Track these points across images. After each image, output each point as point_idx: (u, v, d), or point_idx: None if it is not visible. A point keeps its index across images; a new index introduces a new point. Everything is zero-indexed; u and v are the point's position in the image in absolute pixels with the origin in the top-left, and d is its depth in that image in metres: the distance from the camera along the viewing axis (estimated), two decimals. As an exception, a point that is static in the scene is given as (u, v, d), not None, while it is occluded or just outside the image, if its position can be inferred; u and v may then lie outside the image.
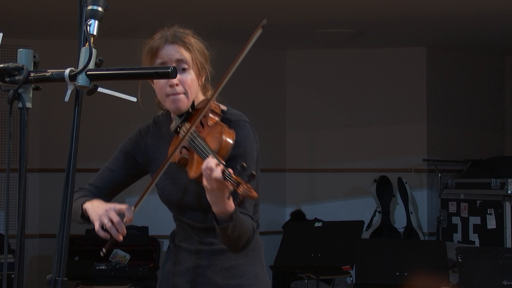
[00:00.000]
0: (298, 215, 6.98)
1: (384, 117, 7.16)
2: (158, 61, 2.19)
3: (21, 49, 1.54)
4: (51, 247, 6.14)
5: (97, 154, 6.58)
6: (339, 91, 7.16)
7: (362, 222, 5.92)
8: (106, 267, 5.86)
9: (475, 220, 6.22)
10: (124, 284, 5.82)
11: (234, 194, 1.90)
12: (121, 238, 2.09)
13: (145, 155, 2.38)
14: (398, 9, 5.67)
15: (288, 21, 5.99)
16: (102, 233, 2.10)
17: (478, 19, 6.00)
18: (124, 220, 2.11)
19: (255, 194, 1.84)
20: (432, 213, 7.05)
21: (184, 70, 2.18)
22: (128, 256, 6.06)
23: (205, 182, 1.93)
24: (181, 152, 2.13)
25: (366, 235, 6.65)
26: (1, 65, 1.50)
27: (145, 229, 6.40)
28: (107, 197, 2.39)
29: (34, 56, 1.54)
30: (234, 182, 1.85)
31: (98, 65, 1.50)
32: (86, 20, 1.52)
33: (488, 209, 6.05)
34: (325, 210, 7.08)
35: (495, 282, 4.81)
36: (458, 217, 6.42)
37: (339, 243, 5.53)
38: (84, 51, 1.49)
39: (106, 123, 6.54)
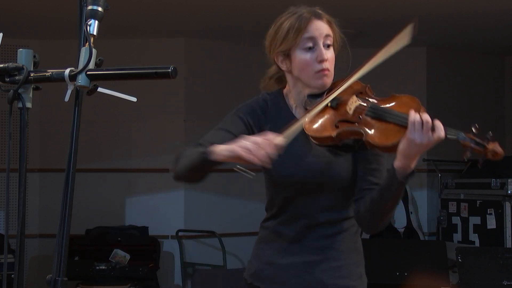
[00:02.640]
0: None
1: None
2: (306, 35, 2.13)
3: (21, 49, 1.54)
4: (51, 247, 6.14)
5: (97, 154, 6.61)
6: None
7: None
8: (106, 267, 5.86)
9: (475, 220, 6.22)
10: (124, 284, 5.82)
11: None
12: (265, 159, 1.84)
13: (263, 123, 2.20)
14: (398, 9, 5.67)
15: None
16: (251, 157, 1.83)
17: (478, 19, 6.00)
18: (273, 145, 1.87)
19: (502, 151, 1.90)
20: (432, 213, 7.05)
21: (329, 46, 2.16)
22: (128, 256, 6.06)
23: (415, 136, 1.92)
24: (337, 127, 2.03)
25: (366, 235, 6.64)
26: (1, 65, 1.50)
27: (145, 229, 6.39)
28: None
29: (34, 56, 1.54)
30: (478, 144, 1.94)
31: (98, 65, 1.50)
32: (86, 20, 1.52)
33: (488, 209, 6.05)
34: (325, 210, 7.07)
35: (495, 282, 4.81)
36: (458, 217, 6.42)
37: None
38: (84, 51, 1.49)
39: (106, 123, 6.54)
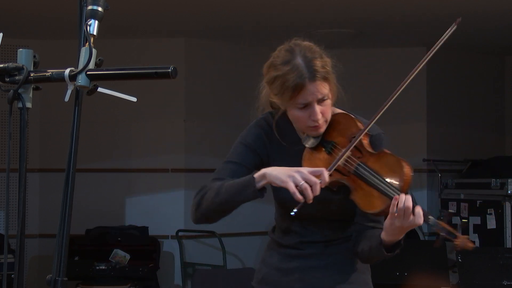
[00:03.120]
0: (298, 215, 6.97)
1: (384, 117, 7.14)
2: (301, 101, 2.08)
3: (21, 49, 1.54)
4: (51, 247, 6.13)
5: (97, 154, 6.60)
6: (338, 91, 7.14)
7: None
8: (106, 267, 5.86)
9: (475, 220, 6.22)
10: (124, 284, 5.82)
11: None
12: (311, 200, 1.95)
13: (268, 159, 2.22)
14: (398, 9, 5.67)
15: (288, 21, 5.99)
16: (298, 196, 1.94)
17: (478, 19, 6.00)
18: (320, 182, 1.97)
19: (472, 245, 1.91)
20: (432, 213, 7.04)
21: (324, 101, 2.13)
22: (128, 256, 6.06)
23: (395, 221, 1.96)
24: (330, 175, 2.03)
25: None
26: (1, 65, 1.50)
27: (145, 229, 6.39)
28: None
29: (34, 56, 1.54)
30: (450, 234, 1.91)
31: (98, 65, 1.50)
32: (86, 20, 1.52)
33: (488, 209, 6.05)
34: (325, 210, 7.07)
35: (495, 282, 4.80)
36: (458, 217, 6.42)
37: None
38: (84, 51, 1.49)
39: (106, 123, 6.54)
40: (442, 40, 2.06)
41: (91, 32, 1.51)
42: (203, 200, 2.13)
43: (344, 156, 2.05)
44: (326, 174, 1.98)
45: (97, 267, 5.84)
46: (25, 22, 6.02)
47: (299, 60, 2.11)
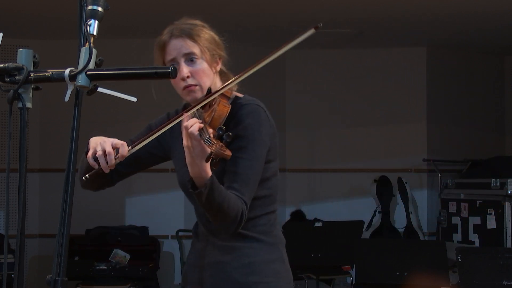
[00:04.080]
0: (298, 215, 6.98)
1: (384, 117, 7.16)
2: (168, 57, 2.22)
3: (21, 49, 1.54)
4: (51, 247, 6.14)
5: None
6: (339, 91, 7.16)
7: (362, 222, 5.92)
8: (106, 267, 5.86)
9: (475, 220, 6.22)
10: (124, 284, 5.82)
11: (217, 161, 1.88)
12: (107, 170, 2.07)
13: (170, 140, 2.38)
14: (398, 9, 5.67)
15: (288, 21, 5.99)
16: (91, 161, 2.08)
17: (478, 19, 6.00)
18: (117, 155, 2.08)
19: (228, 152, 1.84)
20: (432, 213, 7.05)
21: (192, 61, 2.20)
22: (128, 256, 6.06)
23: (184, 141, 1.96)
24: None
25: (366, 235, 6.65)
26: (1, 65, 1.50)
27: (145, 229, 6.40)
28: (125, 168, 2.38)
29: (34, 56, 1.54)
30: (207, 140, 1.86)
31: (98, 65, 1.50)
32: (86, 20, 1.52)
33: (488, 209, 6.05)
34: (325, 210, 7.08)
35: (495, 282, 4.81)
36: (458, 217, 6.42)
37: (339, 243, 5.53)
38: (84, 51, 1.49)
39: (106, 123, 6.54)
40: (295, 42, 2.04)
41: (91, 32, 1.51)
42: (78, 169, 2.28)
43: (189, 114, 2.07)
44: (124, 146, 2.09)
45: (97, 267, 5.84)
46: (25, 22, 6.02)
47: (173, 26, 2.30)
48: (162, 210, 6.60)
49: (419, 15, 5.88)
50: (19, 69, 1.50)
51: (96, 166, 2.07)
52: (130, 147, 2.11)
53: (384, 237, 6.75)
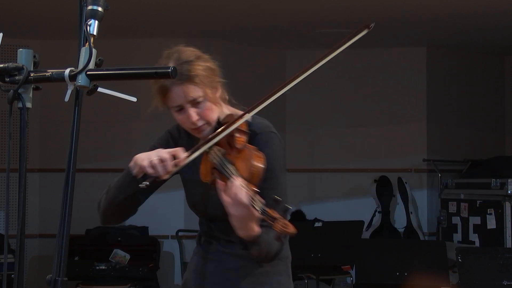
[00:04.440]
0: (298, 215, 6.98)
1: (384, 117, 7.16)
2: (172, 104, 2.18)
3: (21, 49, 1.54)
4: (51, 247, 6.14)
5: (97, 154, 6.60)
6: (339, 91, 7.16)
7: (362, 222, 5.92)
8: (106, 267, 5.86)
9: (475, 220, 6.22)
10: (124, 284, 5.82)
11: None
12: (166, 176, 2.07)
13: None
14: (398, 9, 5.67)
15: (288, 21, 5.99)
16: (148, 170, 2.07)
17: (478, 19, 6.00)
18: (174, 162, 2.06)
19: (292, 229, 1.84)
20: (432, 213, 7.05)
21: (198, 103, 2.17)
22: (128, 256, 6.06)
23: (232, 210, 1.95)
24: (212, 173, 2.09)
25: (366, 235, 6.65)
26: (1, 65, 1.50)
27: (145, 229, 6.39)
28: (142, 196, 2.32)
29: (34, 56, 1.54)
30: (270, 218, 1.84)
31: (98, 65, 1.50)
32: (86, 20, 1.52)
33: (488, 209, 6.05)
34: (325, 210, 7.08)
35: (495, 282, 4.81)
36: (458, 217, 6.42)
37: (339, 243, 5.53)
38: (84, 51, 1.49)
39: (106, 123, 6.54)
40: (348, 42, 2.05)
41: (91, 32, 1.51)
42: (101, 201, 2.31)
43: (207, 147, 2.09)
44: (180, 152, 2.07)
45: (97, 267, 5.84)
46: (25, 22, 6.02)
47: (169, 65, 2.16)
48: (162, 210, 6.60)
49: (419, 15, 5.88)
50: (19, 69, 1.50)
51: (153, 173, 2.06)
52: (187, 153, 2.10)
53: (384, 237, 6.75)
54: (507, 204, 5.88)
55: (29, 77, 1.50)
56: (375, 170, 7.05)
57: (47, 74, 1.51)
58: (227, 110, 2.27)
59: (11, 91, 1.49)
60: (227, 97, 2.30)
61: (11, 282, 5.07)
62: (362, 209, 6.95)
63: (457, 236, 6.42)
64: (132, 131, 6.59)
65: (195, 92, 2.15)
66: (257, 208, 1.87)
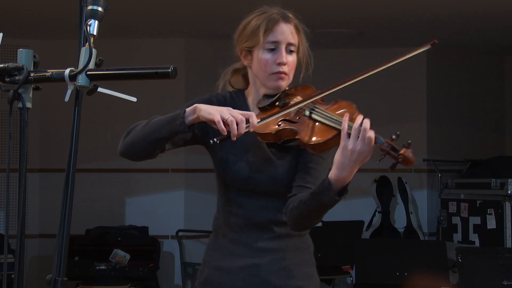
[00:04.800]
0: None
1: (384, 117, 7.15)
2: (271, 37, 2.17)
3: (21, 49, 1.54)
4: (51, 247, 6.14)
5: (97, 154, 6.60)
6: (339, 91, 7.14)
7: (362, 222, 5.92)
8: (106, 267, 5.86)
9: (475, 220, 6.22)
10: (124, 284, 5.82)
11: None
12: (235, 137, 1.94)
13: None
14: (398, 9, 5.67)
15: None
16: (221, 126, 1.93)
17: (478, 19, 6.00)
18: (248, 125, 1.97)
19: (413, 159, 1.90)
20: (432, 213, 7.05)
21: (291, 52, 2.19)
22: (128, 256, 6.06)
23: (349, 143, 1.93)
24: (279, 125, 2.06)
25: (366, 235, 6.65)
26: (1, 65, 1.50)
27: (145, 229, 6.39)
28: (170, 145, 2.24)
29: (34, 56, 1.54)
30: (393, 149, 1.94)
31: (98, 65, 1.50)
32: (86, 20, 1.52)
33: (488, 209, 6.05)
34: (325, 210, 7.07)
35: (495, 282, 4.81)
36: (458, 217, 6.42)
37: (339, 243, 5.53)
38: (84, 51, 1.49)
39: (106, 123, 6.54)
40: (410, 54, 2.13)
41: (91, 32, 1.51)
42: (132, 130, 2.15)
43: (296, 107, 2.07)
44: (254, 116, 1.99)
45: (97, 267, 5.84)
46: (25, 22, 6.02)
47: (274, 10, 2.23)
48: (162, 210, 6.60)
49: (419, 15, 5.88)
50: (19, 69, 1.50)
51: (225, 132, 1.93)
52: (259, 118, 2.04)
53: (384, 237, 6.75)
54: (507, 204, 5.88)
55: (29, 77, 1.50)
56: (375, 170, 7.05)
57: (47, 74, 1.51)
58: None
59: (11, 91, 1.49)
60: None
61: (11, 282, 5.07)
62: (362, 209, 6.94)
63: (457, 236, 6.42)
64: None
65: (297, 38, 2.20)
66: (379, 140, 1.94)
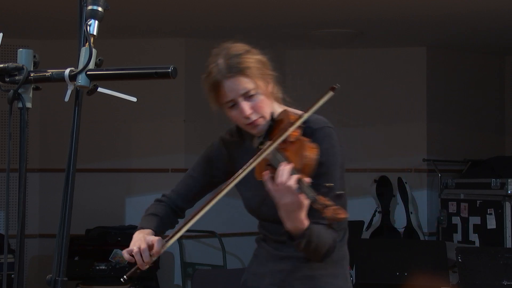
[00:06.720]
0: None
1: (384, 117, 7.15)
2: (224, 99, 2.14)
3: (21, 49, 1.54)
4: (51, 247, 6.13)
5: (97, 154, 6.60)
6: (338, 91, 7.15)
7: (362, 222, 5.92)
8: (106, 267, 5.86)
9: (475, 220, 6.22)
10: (124, 284, 5.82)
11: (311, 212, 1.88)
12: (144, 266, 2.20)
13: (227, 164, 2.34)
14: (398, 9, 5.67)
15: (288, 21, 5.99)
16: (127, 256, 2.23)
17: (478, 19, 6.00)
18: (152, 251, 2.17)
19: (343, 215, 1.79)
20: (432, 213, 7.04)
21: (251, 96, 2.14)
22: (128, 256, 6.05)
23: (279, 200, 1.95)
24: (266, 170, 2.06)
25: (366, 235, 6.65)
26: (1, 65, 1.50)
27: (145, 229, 6.38)
28: (190, 203, 2.42)
29: (34, 56, 1.54)
30: (320, 204, 1.81)
31: (98, 65, 1.50)
32: (86, 20, 1.52)
33: (488, 209, 6.05)
34: (325, 210, 7.07)
35: (495, 282, 4.81)
36: (458, 217, 6.42)
37: (339, 243, 5.52)
38: (84, 51, 1.49)
39: (106, 123, 6.54)
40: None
41: (91, 32, 1.51)
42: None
43: (264, 154, 2.04)
44: (160, 244, 2.20)
45: (97, 267, 5.84)
46: (25, 22, 6.02)
47: (220, 60, 2.19)
48: (162, 210, 6.59)
49: (419, 15, 5.88)
50: (19, 69, 1.50)
51: (133, 261, 2.18)
52: (164, 241, 2.17)
53: (384, 237, 6.75)
54: (507, 204, 5.88)
55: (29, 77, 1.50)
56: (375, 170, 7.05)
57: (47, 74, 1.51)
58: (278, 108, 2.24)
59: (11, 91, 1.49)
60: (280, 95, 2.28)
61: (11, 282, 5.07)
62: (362, 209, 6.94)
63: (457, 236, 6.42)
64: (132, 131, 6.59)
65: (247, 84, 2.13)
66: (307, 193, 1.85)
